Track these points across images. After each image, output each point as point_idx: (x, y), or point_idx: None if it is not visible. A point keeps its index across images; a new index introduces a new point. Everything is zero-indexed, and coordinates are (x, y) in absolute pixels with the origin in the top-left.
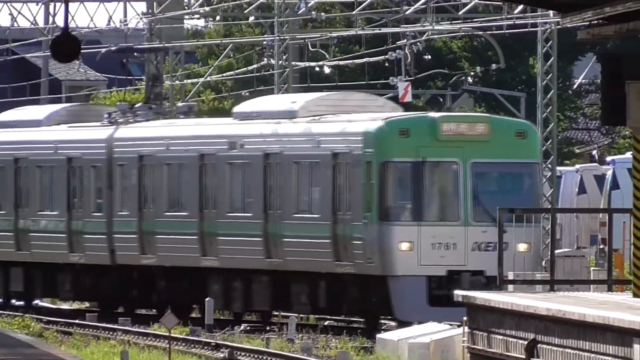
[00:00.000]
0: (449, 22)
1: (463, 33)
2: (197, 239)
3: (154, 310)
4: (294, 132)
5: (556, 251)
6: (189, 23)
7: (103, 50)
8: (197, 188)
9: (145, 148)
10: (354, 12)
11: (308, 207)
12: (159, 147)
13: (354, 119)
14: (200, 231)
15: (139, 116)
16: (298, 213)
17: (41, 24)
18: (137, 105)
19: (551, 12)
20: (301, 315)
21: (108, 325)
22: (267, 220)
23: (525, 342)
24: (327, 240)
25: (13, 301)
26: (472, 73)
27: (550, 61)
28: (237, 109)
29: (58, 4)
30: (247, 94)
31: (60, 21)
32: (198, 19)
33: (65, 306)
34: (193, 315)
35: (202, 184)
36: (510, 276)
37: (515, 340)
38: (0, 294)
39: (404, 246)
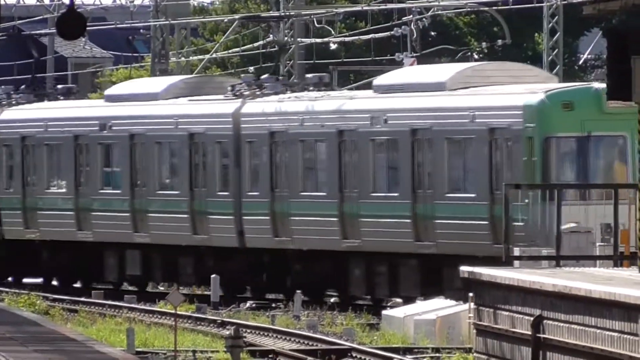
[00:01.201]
0: None
1: (469, 9)
2: (337, 221)
3: (282, 295)
4: (445, 106)
5: (562, 227)
6: (195, 0)
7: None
8: (337, 167)
9: (276, 124)
10: None
11: (462, 187)
12: (292, 123)
13: (512, 91)
14: (341, 212)
15: (266, 89)
16: (451, 192)
17: (47, 1)
18: (263, 77)
19: None
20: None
21: (114, 303)
22: (416, 200)
23: (532, 318)
24: (484, 222)
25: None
26: (478, 49)
27: (556, 36)
28: (377, 81)
29: None
30: (253, 70)
31: None
32: None
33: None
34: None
35: (342, 163)
36: (516, 252)
37: (521, 316)
38: (113, 277)
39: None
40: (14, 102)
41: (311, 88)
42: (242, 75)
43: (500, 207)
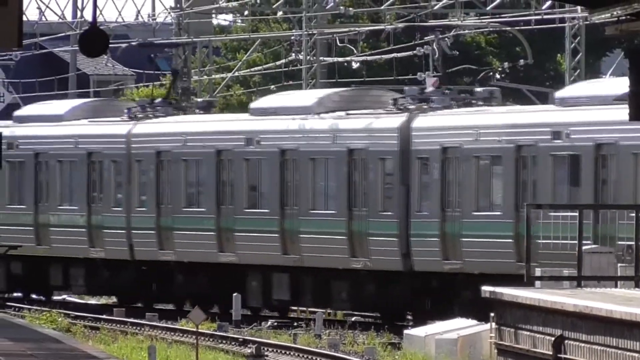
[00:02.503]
0: (477, 17)
1: (491, 28)
2: (512, 242)
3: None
4: None
5: (584, 247)
6: (217, 18)
7: (123, 45)
8: (513, 183)
9: (449, 138)
10: (382, 7)
11: None
12: (466, 138)
13: None
14: (516, 233)
15: (434, 102)
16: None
17: (69, 18)
18: (429, 90)
19: (579, 8)
20: (329, 311)
21: (135, 321)
22: (599, 220)
23: (553, 338)
24: None
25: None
26: (500, 69)
27: (578, 57)
28: (559, 94)
29: None
30: (275, 89)
31: (88, 15)
32: (226, 13)
33: (92, 301)
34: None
35: (518, 179)
36: (538, 272)
37: (542, 336)
38: (257, 302)
39: None
40: (151, 116)
41: (480, 102)
42: (406, 88)
43: None
